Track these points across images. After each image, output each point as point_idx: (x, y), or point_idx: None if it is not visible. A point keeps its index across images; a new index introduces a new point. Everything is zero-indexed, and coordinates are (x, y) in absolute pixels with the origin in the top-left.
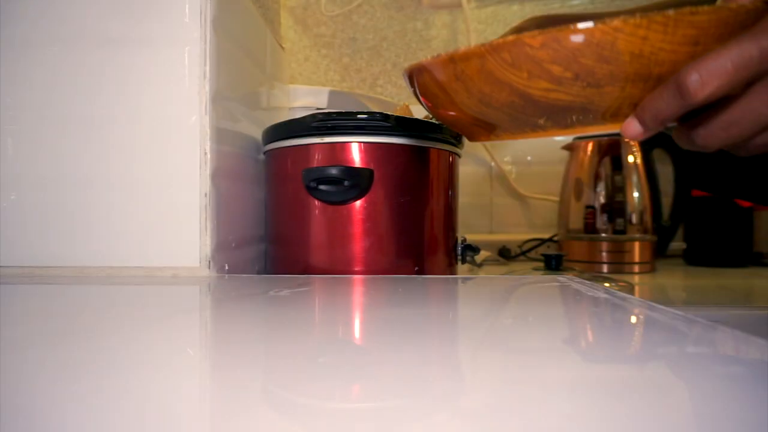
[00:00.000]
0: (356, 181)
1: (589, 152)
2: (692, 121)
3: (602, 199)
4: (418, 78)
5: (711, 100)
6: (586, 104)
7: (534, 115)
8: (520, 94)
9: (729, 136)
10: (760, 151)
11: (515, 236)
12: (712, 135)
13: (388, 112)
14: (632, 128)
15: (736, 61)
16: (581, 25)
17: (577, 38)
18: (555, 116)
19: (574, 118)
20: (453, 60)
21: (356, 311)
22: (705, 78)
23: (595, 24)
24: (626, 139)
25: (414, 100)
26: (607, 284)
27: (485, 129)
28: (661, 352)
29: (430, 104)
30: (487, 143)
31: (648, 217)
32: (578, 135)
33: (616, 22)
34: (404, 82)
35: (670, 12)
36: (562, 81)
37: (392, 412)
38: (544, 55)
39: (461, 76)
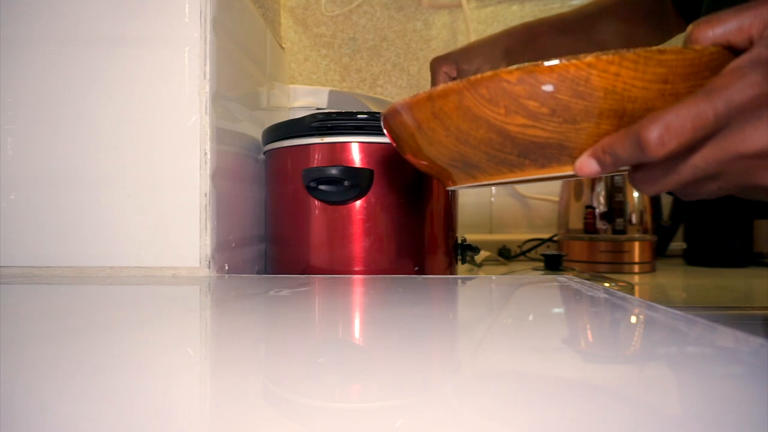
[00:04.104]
0: (356, 181)
1: None
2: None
3: (602, 199)
4: (394, 120)
5: (669, 157)
6: (562, 141)
7: (511, 152)
8: (498, 130)
9: (667, 182)
10: (704, 197)
11: (515, 236)
12: (651, 179)
13: None
14: (589, 167)
15: (695, 123)
16: (554, 62)
17: (552, 74)
18: (532, 154)
19: (551, 155)
20: (431, 98)
21: (356, 311)
22: (666, 137)
23: (569, 60)
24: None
25: None
26: (607, 284)
27: (463, 171)
28: (661, 352)
29: (406, 147)
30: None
31: (648, 217)
32: (555, 175)
33: (590, 59)
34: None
35: (640, 50)
36: (539, 117)
37: (392, 412)
38: (521, 91)
39: (439, 113)
